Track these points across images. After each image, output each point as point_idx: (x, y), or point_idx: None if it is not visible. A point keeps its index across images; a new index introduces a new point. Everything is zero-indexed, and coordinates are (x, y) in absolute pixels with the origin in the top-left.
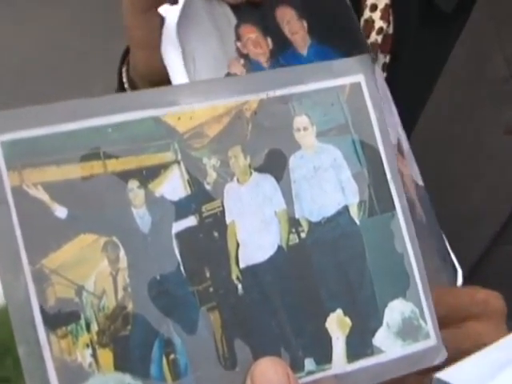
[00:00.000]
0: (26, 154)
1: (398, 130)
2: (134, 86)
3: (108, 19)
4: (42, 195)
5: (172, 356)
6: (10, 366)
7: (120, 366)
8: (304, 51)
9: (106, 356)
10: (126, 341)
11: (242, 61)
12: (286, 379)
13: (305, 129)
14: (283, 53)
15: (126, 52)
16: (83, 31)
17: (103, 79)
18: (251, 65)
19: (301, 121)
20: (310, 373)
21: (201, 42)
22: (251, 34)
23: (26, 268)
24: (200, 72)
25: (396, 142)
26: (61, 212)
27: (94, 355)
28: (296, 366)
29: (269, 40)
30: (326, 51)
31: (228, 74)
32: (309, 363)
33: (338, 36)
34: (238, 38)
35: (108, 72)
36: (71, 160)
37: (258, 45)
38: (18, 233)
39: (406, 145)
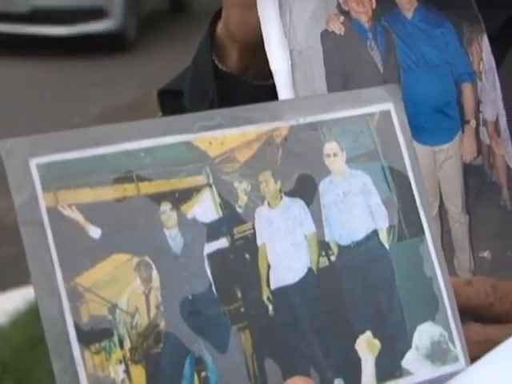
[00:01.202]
0: (60, 177)
1: (498, 106)
2: (222, 48)
3: None
4: (77, 216)
5: (203, 374)
6: None
7: (152, 382)
8: (409, 14)
9: (139, 372)
10: (158, 358)
11: (342, 18)
12: None
13: (335, 155)
14: (387, 13)
15: (215, 16)
16: None
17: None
18: (351, 23)
19: (331, 147)
20: None
21: None
22: None
23: (61, 286)
24: (296, 25)
25: (494, 118)
26: (94, 232)
27: (127, 371)
28: None
29: None
30: (434, 17)
31: (325, 31)
32: None
33: (447, 2)
34: None
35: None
36: (104, 182)
37: (361, 3)
38: (53, 252)
39: (503, 124)
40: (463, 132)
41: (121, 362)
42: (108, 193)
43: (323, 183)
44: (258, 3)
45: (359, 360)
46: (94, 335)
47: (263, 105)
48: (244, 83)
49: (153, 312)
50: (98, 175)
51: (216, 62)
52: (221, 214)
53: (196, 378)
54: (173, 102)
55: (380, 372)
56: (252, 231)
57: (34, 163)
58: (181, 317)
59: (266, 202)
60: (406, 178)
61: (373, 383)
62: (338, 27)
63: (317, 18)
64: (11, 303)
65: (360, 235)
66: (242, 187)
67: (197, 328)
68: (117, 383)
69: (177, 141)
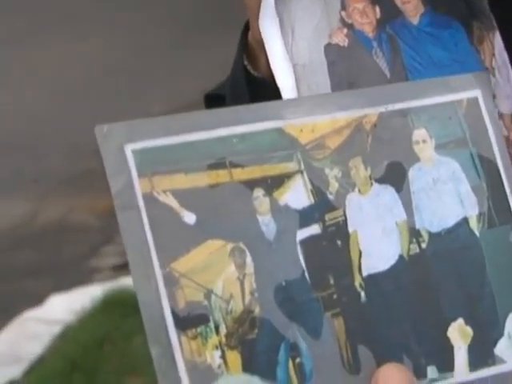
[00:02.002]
0: (156, 162)
1: None
2: (252, 53)
3: (168, 35)
4: (172, 201)
5: (298, 360)
6: (79, 382)
7: (248, 368)
8: (415, 20)
9: (235, 358)
10: (253, 344)
11: (345, 30)
12: None
13: (423, 141)
14: (391, 21)
15: (248, 23)
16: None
17: (161, 96)
18: (355, 34)
19: (419, 134)
20: (433, 380)
21: (303, 12)
22: (358, 3)
23: (158, 272)
24: (298, 43)
25: (510, 111)
26: (189, 218)
27: (223, 357)
28: (418, 373)
29: (377, 9)
30: (441, 19)
31: (329, 44)
32: (431, 371)
33: (455, 4)
34: (344, 7)
35: (166, 88)
36: (198, 168)
37: (365, 14)
38: (149, 237)
39: None
40: None
41: (217, 347)
42: (202, 179)
43: (412, 170)
44: (260, 25)
45: (452, 347)
46: (190, 321)
47: (353, 91)
48: (275, 88)
49: (247, 298)
50: (192, 161)
51: (248, 67)
52: (312, 201)
53: (291, 364)
54: (217, 106)
55: (473, 360)
56: (343, 218)
57: (129, 149)
58: (275, 303)
59: (356, 189)
60: (495, 165)
61: (466, 371)
62: (341, 39)
63: (319, 33)
64: (78, 302)
65: (450, 222)
66: (332, 174)
67: (291, 314)
68: (213, 368)
69: (268, 127)
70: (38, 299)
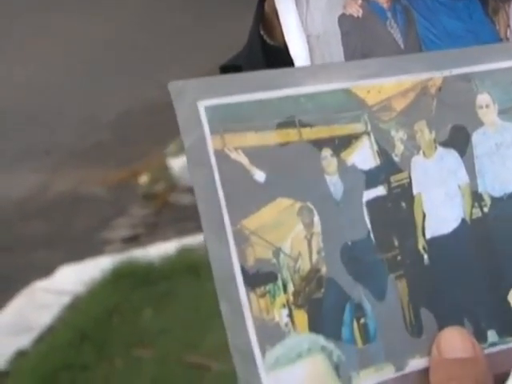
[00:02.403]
0: (227, 120)
1: None
2: (269, 22)
3: (182, 11)
4: (243, 159)
5: (362, 320)
6: (89, 353)
7: (314, 327)
8: None
9: (301, 317)
10: (320, 303)
11: (359, 1)
12: (471, 348)
13: (487, 106)
14: None
15: None
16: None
17: (174, 71)
18: (369, 5)
19: (483, 98)
20: (493, 344)
21: None
22: None
23: (228, 228)
24: (312, 14)
25: None
26: (259, 176)
27: (290, 315)
28: (479, 337)
29: None
30: None
31: (343, 15)
32: (491, 335)
33: None
34: None
35: (180, 63)
36: (268, 127)
37: None
38: (221, 194)
39: None
40: None
41: (284, 305)
42: (272, 137)
43: (476, 134)
44: None
45: None
46: (259, 278)
47: (418, 55)
48: (290, 56)
49: (315, 257)
50: (262, 119)
51: (264, 36)
52: (378, 162)
53: (355, 324)
54: None
55: None
56: (408, 180)
57: (202, 105)
58: (341, 263)
59: (421, 152)
60: None
61: None
62: (355, 10)
63: (334, 4)
64: (88, 273)
65: None
66: (398, 136)
67: (356, 275)
68: (281, 327)
69: (336, 88)
70: (48, 270)
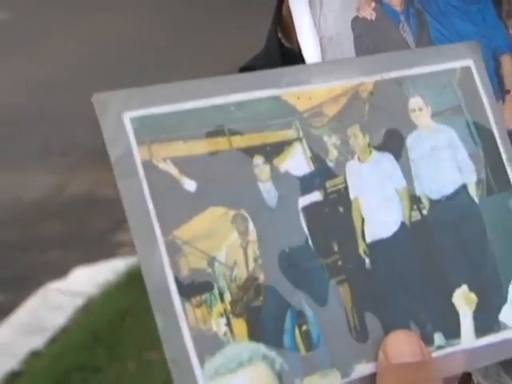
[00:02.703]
0: (154, 130)
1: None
2: (286, 25)
3: (198, 10)
4: (171, 169)
5: (305, 327)
6: (101, 355)
7: (254, 335)
8: None
9: (240, 326)
10: (259, 311)
11: (373, 4)
12: (419, 352)
13: (420, 109)
14: None
15: None
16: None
17: (188, 71)
18: (383, 8)
19: (415, 102)
20: (440, 347)
21: None
22: None
23: (160, 239)
24: (326, 16)
25: None
26: (190, 185)
27: (229, 324)
28: (426, 340)
29: None
30: None
31: (356, 18)
32: (438, 338)
33: None
34: None
35: (194, 63)
36: (197, 136)
37: None
38: (150, 205)
39: None
40: (504, 102)
41: (222, 315)
42: (201, 146)
43: (410, 137)
44: (288, 0)
45: (457, 314)
46: (194, 288)
47: (348, 60)
48: None
49: (251, 265)
50: (190, 129)
51: (282, 40)
52: (312, 168)
53: (297, 331)
54: None
55: (478, 326)
56: (344, 185)
57: (127, 117)
58: (279, 270)
59: (355, 157)
60: (491, 133)
61: (472, 337)
62: (369, 13)
63: (347, 6)
64: (101, 275)
65: (450, 189)
66: (331, 141)
67: (296, 281)
68: (219, 336)
69: (265, 95)
70: (62, 271)
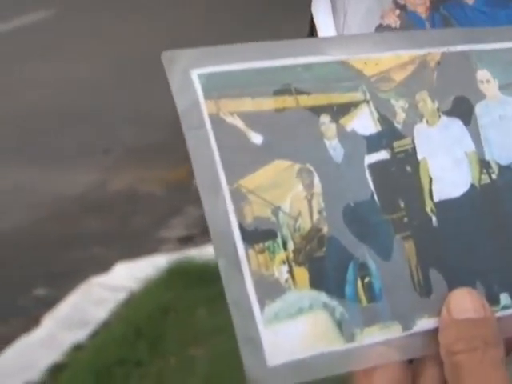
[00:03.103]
0: (221, 86)
1: None
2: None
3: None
4: (238, 123)
5: (367, 279)
6: (143, 350)
7: (315, 284)
8: (470, 0)
9: (302, 274)
10: (322, 261)
11: (397, 11)
12: (482, 310)
13: (487, 81)
14: (446, 2)
15: None
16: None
17: None
18: (407, 15)
19: (483, 74)
20: (505, 307)
21: None
22: None
23: (225, 187)
24: (350, 26)
25: None
26: (256, 138)
27: (291, 272)
28: (491, 300)
29: None
30: (498, 0)
31: (380, 26)
32: (504, 298)
33: None
34: None
35: None
36: (264, 94)
37: None
38: (217, 156)
39: None
40: None
41: (284, 262)
42: (268, 103)
43: (479, 106)
44: (312, 9)
45: None
46: (257, 235)
47: (416, 32)
48: None
49: (315, 217)
50: (257, 87)
51: None
52: (380, 128)
53: (359, 283)
54: None
55: None
56: (412, 146)
57: (195, 73)
58: (343, 223)
59: (424, 120)
60: None
61: None
62: (393, 20)
63: (371, 15)
64: (143, 270)
65: None
66: (399, 105)
67: (360, 235)
68: (280, 282)
69: (332, 60)
70: (104, 266)
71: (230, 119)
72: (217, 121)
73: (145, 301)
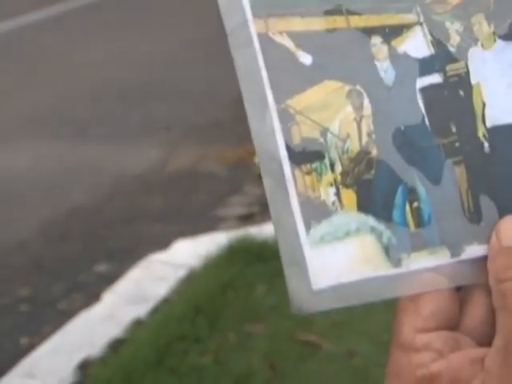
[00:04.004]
0: (271, 5)
1: None
2: None
3: None
4: (287, 42)
5: (416, 204)
6: (202, 326)
7: (363, 207)
8: None
9: (350, 196)
10: (370, 184)
11: None
12: None
13: None
14: None
15: None
16: None
17: None
18: None
19: None
20: None
21: None
22: None
23: (273, 107)
24: None
25: None
26: (305, 58)
27: (338, 194)
28: None
29: None
30: None
31: None
32: None
33: None
34: None
35: None
36: (315, 13)
37: None
38: (264, 74)
39: None
40: None
41: (331, 184)
42: (318, 23)
43: None
44: None
45: None
46: (305, 156)
47: None
48: None
49: (364, 139)
50: (308, 6)
51: None
52: (433, 51)
53: (408, 207)
54: None
55: None
56: (465, 70)
57: None
58: (393, 146)
59: (479, 43)
60: None
61: None
62: None
63: None
64: (203, 248)
65: None
66: (453, 28)
67: (410, 159)
68: (327, 205)
69: None
70: (164, 244)
71: (278, 38)
72: (265, 40)
73: (204, 278)
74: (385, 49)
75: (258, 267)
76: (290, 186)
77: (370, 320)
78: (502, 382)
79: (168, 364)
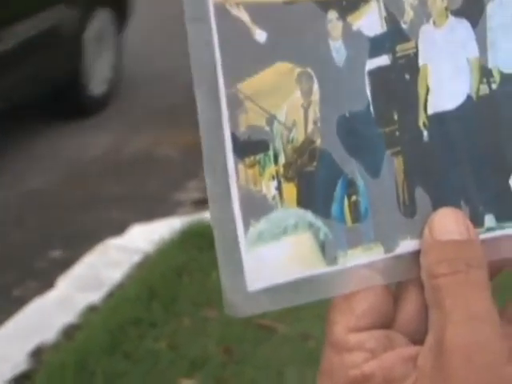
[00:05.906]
0: None
1: None
2: None
3: None
4: (244, 16)
5: (354, 198)
6: (157, 311)
7: (303, 202)
8: None
9: (291, 190)
10: (311, 177)
11: None
12: (466, 231)
13: None
14: None
15: None
16: None
17: None
18: None
19: None
20: (490, 229)
21: None
22: None
23: (222, 91)
24: None
25: None
26: (260, 35)
27: (279, 188)
28: (475, 221)
29: None
30: None
31: None
32: (489, 220)
33: None
34: None
35: None
36: None
37: None
38: (217, 53)
39: None
40: None
41: (274, 177)
42: None
43: (492, 3)
44: None
45: None
46: (250, 146)
47: None
48: None
49: (310, 127)
50: None
51: None
52: (385, 29)
53: (346, 201)
54: None
55: None
56: (415, 50)
57: None
58: (337, 135)
59: (431, 20)
60: None
61: None
62: None
63: None
64: (157, 233)
65: None
66: (409, 1)
67: (352, 148)
68: (268, 199)
69: None
70: (120, 229)
71: (235, 11)
72: (222, 12)
73: (159, 262)
74: (339, 25)
75: (212, 252)
76: (232, 180)
77: (325, 304)
78: (434, 380)
79: (123, 349)
